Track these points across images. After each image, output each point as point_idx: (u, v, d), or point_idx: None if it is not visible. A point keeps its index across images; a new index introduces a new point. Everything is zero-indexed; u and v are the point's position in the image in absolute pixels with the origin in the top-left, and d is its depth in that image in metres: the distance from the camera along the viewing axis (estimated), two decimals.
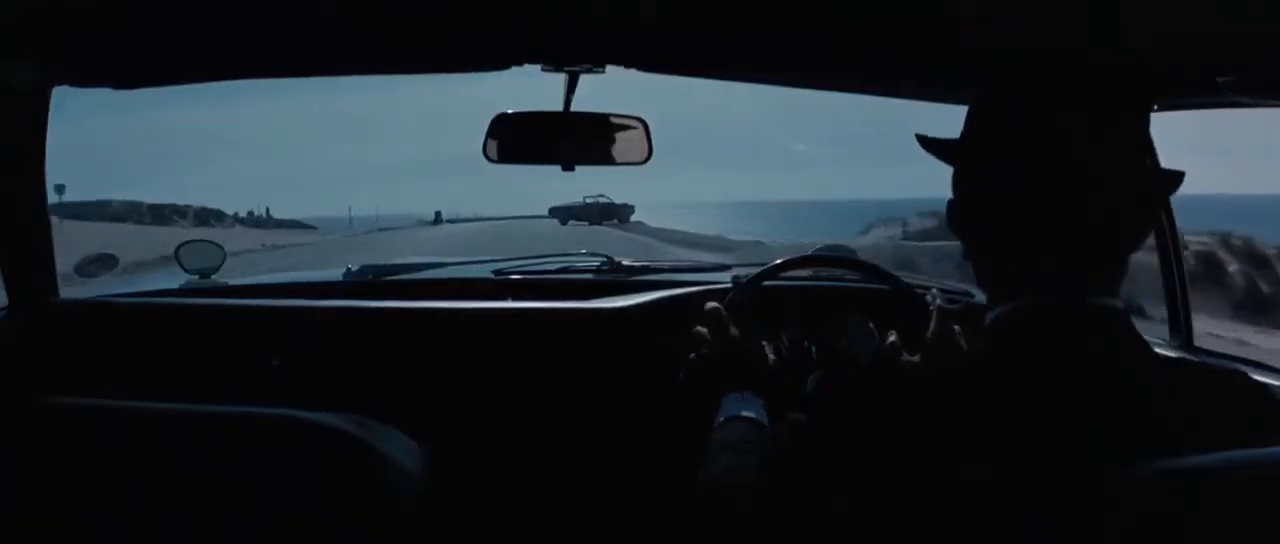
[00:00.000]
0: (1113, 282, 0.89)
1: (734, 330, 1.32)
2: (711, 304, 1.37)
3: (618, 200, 36.33)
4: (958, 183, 0.94)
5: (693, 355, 1.32)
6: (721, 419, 1.18)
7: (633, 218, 35.20)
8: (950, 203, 0.94)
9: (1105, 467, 0.78)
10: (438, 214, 49.79)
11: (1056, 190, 0.86)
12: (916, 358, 1.40)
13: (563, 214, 33.64)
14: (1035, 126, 0.88)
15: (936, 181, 1.02)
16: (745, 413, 1.17)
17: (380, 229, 39.40)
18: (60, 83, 1.64)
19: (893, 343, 1.47)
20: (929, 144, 0.96)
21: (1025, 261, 0.89)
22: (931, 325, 1.40)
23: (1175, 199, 1.65)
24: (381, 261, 2.46)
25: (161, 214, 43.34)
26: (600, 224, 30.38)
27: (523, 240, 17.65)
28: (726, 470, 1.05)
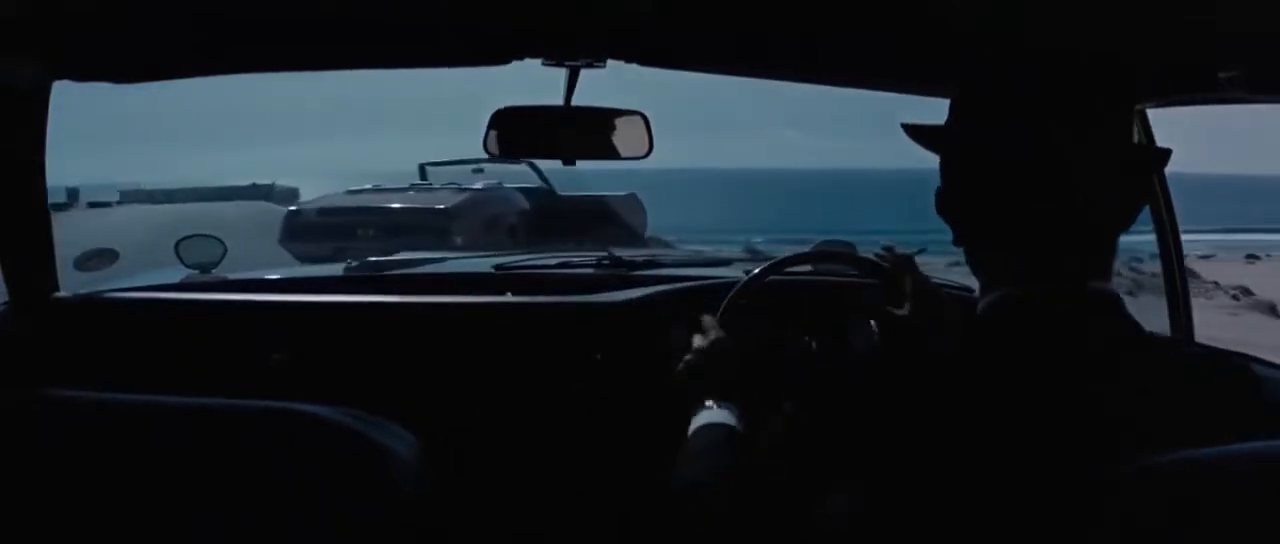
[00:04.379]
0: (1105, 265, 0.89)
1: (720, 334, 1.28)
2: (706, 317, 1.34)
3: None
4: (945, 171, 0.94)
5: (678, 362, 1.30)
6: (693, 429, 1.11)
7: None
8: (938, 190, 0.94)
9: (1105, 456, 0.78)
10: (72, 193, 27.44)
11: (1043, 176, 0.86)
12: (904, 311, 1.39)
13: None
14: (1018, 114, 0.88)
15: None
16: (719, 419, 1.11)
17: None
18: (60, 79, 1.65)
19: (873, 332, 1.45)
20: (915, 133, 0.96)
21: (1017, 248, 0.89)
22: (907, 285, 1.39)
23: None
24: None
25: None
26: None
27: None
28: (703, 473, 1.02)
